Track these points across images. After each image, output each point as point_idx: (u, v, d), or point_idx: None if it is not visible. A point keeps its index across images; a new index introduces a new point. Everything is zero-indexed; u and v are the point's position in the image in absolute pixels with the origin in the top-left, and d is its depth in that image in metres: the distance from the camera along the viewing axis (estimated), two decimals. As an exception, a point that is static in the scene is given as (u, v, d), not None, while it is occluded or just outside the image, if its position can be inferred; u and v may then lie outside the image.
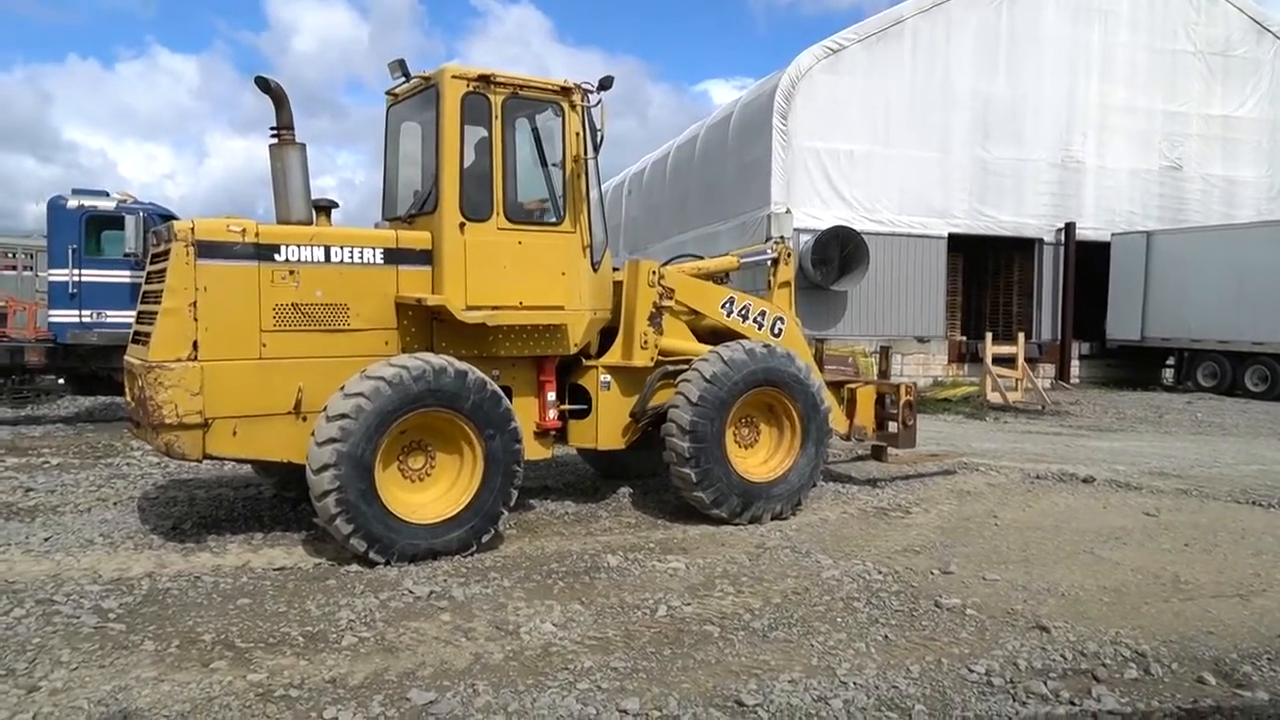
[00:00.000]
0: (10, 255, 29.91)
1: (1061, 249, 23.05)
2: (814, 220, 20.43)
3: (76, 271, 12.62)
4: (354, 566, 6.11)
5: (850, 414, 9.12)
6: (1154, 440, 13.59)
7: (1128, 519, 7.91)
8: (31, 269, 22.12)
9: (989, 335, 19.12)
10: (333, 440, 5.93)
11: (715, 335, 8.27)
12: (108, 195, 13.34)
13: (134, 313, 12.44)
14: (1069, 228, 22.84)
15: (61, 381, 14.62)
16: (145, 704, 4.00)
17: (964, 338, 23.67)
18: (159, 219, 13.03)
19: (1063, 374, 22.97)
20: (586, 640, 4.91)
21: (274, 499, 8.18)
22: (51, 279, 12.86)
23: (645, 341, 7.70)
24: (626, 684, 4.34)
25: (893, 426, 9.15)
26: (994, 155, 22.40)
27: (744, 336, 8.19)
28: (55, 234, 12.81)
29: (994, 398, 17.80)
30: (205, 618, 5.14)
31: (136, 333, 6.81)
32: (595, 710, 4.04)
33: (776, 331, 8.55)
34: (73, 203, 12.85)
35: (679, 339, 8.04)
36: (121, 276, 12.80)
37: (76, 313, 12.67)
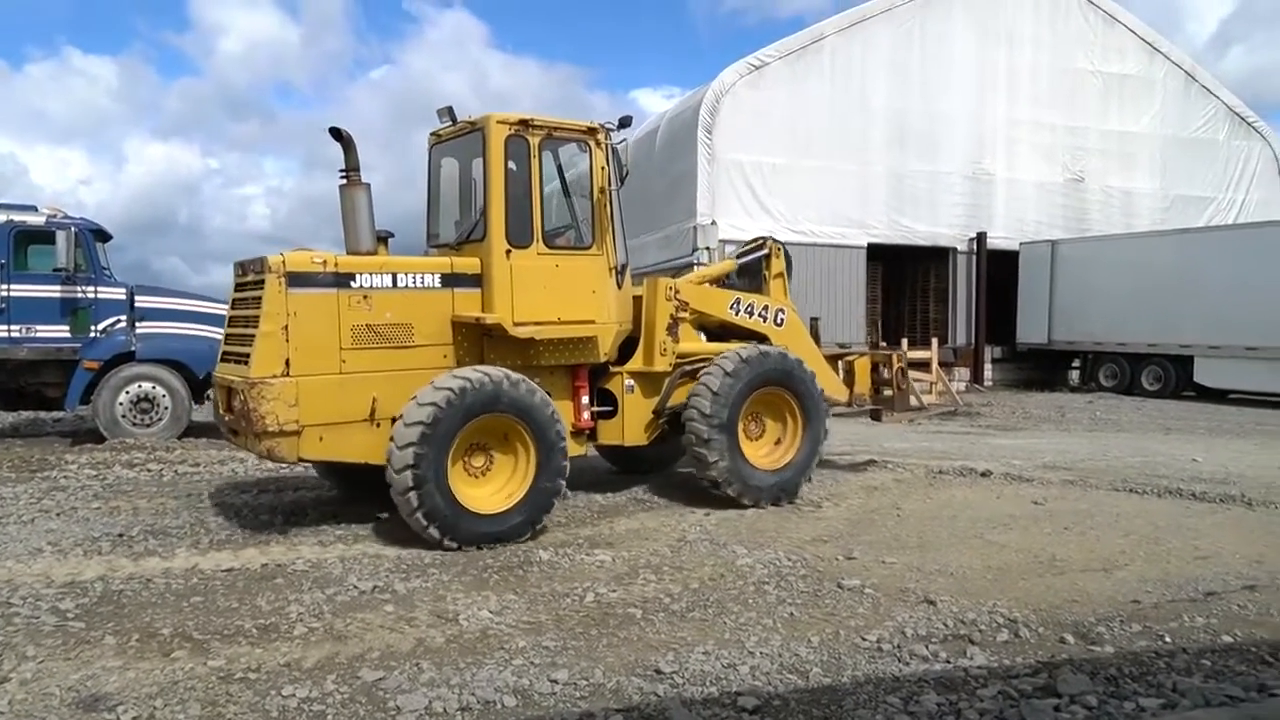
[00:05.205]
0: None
1: (974, 258, 24.23)
2: (738, 231, 21.12)
3: (5, 286, 12.59)
4: (300, 566, 6.48)
5: (850, 384, 10.34)
6: (1053, 437, 14.55)
7: (1017, 507, 8.66)
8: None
9: (904, 341, 20.02)
10: (421, 423, 6.69)
11: (724, 328, 9.37)
12: (36, 210, 13.31)
13: (65, 329, 12.68)
14: (980, 237, 24.04)
15: (-13, 397, 14.42)
16: (114, 689, 4.35)
17: (884, 344, 24.61)
18: (90, 234, 13.09)
19: (977, 377, 24.13)
20: (520, 624, 5.38)
21: (217, 507, 8.46)
22: (-21, 294, 12.77)
23: (664, 349, 8.61)
24: (557, 659, 4.83)
25: (888, 391, 10.54)
26: (909, 168, 23.48)
27: (752, 330, 9.26)
28: (-18, 249, 12.72)
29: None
30: (161, 614, 5.47)
31: (226, 352, 7.67)
32: (529, 681, 4.52)
33: (779, 322, 9.54)
34: (0, 218, 12.81)
35: (691, 342, 9.03)
36: (51, 291, 12.81)
37: (5, 328, 12.63)
